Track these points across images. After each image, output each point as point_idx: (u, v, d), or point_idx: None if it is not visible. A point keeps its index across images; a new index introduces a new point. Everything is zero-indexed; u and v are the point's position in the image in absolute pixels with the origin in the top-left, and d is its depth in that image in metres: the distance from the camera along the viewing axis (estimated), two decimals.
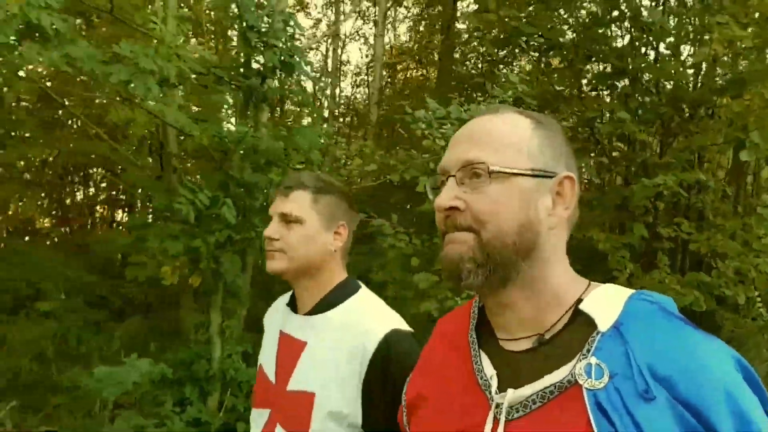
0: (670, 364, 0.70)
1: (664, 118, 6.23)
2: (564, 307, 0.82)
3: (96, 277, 7.01)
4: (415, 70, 14.27)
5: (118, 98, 4.44)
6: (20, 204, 7.03)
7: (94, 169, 8.61)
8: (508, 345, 0.85)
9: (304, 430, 1.30)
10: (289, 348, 1.41)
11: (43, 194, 7.58)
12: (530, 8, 6.80)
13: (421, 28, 13.37)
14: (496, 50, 7.03)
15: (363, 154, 5.01)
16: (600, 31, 6.05)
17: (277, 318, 1.52)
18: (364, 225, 4.62)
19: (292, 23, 4.37)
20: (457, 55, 10.89)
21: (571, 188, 0.84)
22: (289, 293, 1.53)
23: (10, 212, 7.27)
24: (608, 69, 6.64)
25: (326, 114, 4.17)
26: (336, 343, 1.34)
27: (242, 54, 4.16)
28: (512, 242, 0.79)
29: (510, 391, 0.79)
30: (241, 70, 4.26)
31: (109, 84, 3.28)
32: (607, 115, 6.43)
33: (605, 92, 6.63)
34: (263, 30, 4.15)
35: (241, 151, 4.20)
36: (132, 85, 3.06)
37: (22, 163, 6.64)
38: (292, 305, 1.49)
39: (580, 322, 0.80)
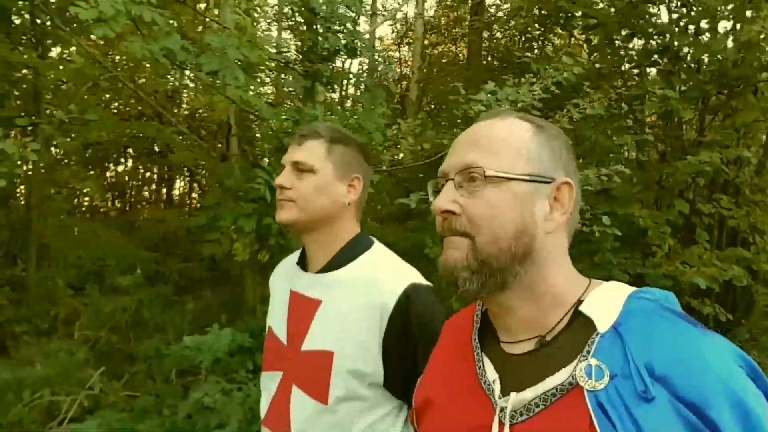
0: (669, 362, 0.71)
1: (707, 96, 6.29)
2: (565, 308, 0.83)
3: (150, 254, 7.33)
4: (444, 46, 14.28)
5: (191, 84, 4.65)
6: (82, 185, 7.35)
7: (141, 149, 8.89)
8: (510, 348, 0.86)
9: (324, 389, 1.27)
10: (302, 307, 1.37)
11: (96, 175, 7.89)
12: None
13: (449, 2, 13.35)
14: (538, 29, 7.10)
15: (415, 133, 5.18)
16: (646, 7, 6.09)
17: (284, 277, 1.48)
18: (423, 201, 4.82)
19: (354, 8, 4.54)
20: (486, 34, 10.93)
21: (569, 194, 0.84)
22: (297, 253, 1.48)
23: (66, 192, 7.61)
24: (649, 46, 6.72)
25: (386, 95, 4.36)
26: (352, 300, 1.30)
27: (307, 39, 4.33)
28: (508, 247, 0.80)
29: (513, 395, 0.79)
30: (307, 54, 4.44)
31: (196, 73, 3.49)
32: (650, 92, 6.52)
33: (648, 70, 6.67)
34: (327, 15, 4.33)
35: None
36: (222, 74, 3.27)
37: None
38: (302, 264, 1.45)
39: (580, 323, 0.80)
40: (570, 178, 0.85)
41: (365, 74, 4.72)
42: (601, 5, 6.75)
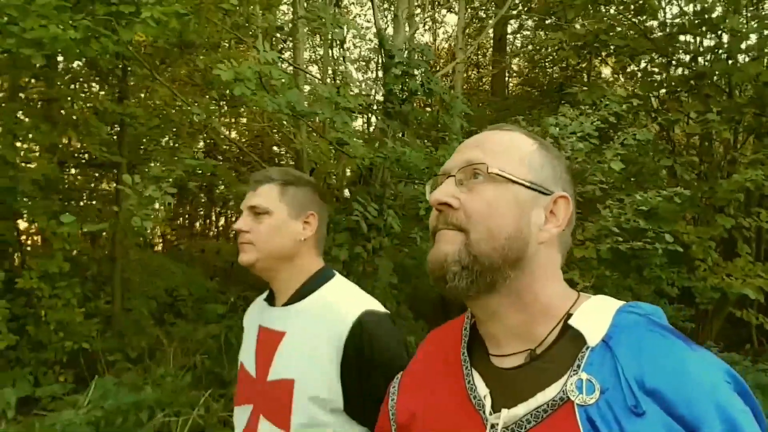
0: (659, 376, 0.70)
1: (744, 118, 6.66)
2: (553, 321, 0.82)
3: (213, 283, 7.74)
4: (468, 73, 14.79)
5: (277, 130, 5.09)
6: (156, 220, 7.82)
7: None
8: (500, 362, 0.85)
9: (287, 417, 1.30)
10: (268, 340, 1.41)
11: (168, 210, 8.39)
12: (606, 19, 7.33)
13: (470, 31, 13.89)
14: (576, 60, 7.54)
15: None
16: (682, 38, 6.52)
17: (255, 315, 1.54)
18: None
19: (425, 55, 5.00)
20: (515, 66, 11.38)
21: (566, 209, 0.85)
22: (267, 291, 1.54)
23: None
24: (686, 72, 7.14)
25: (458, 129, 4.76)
26: (312, 329, 1.34)
27: (389, 82, 4.78)
28: (500, 247, 0.79)
29: (504, 411, 0.79)
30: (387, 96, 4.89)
31: (302, 118, 3.93)
32: (687, 117, 6.90)
33: (685, 95, 7.06)
34: (404, 61, 4.79)
35: (387, 168, 4.84)
36: (334, 120, 3.71)
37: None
38: (270, 300, 1.51)
39: (569, 337, 0.80)
40: (568, 195, 0.85)
41: (437, 112, 5.15)
42: (635, 36, 7.18)
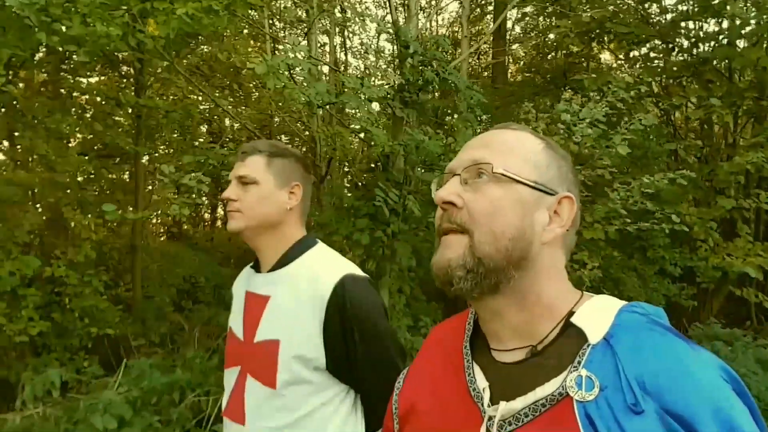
0: (659, 376, 0.71)
1: (744, 102, 6.85)
2: (556, 319, 0.83)
3: (231, 270, 7.93)
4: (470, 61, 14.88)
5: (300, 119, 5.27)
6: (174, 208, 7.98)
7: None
8: (501, 356, 0.86)
9: (273, 375, 1.37)
10: (255, 304, 1.48)
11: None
12: (610, 6, 7.49)
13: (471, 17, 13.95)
14: (580, 46, 7.70)
15: None
16: (684, 24, 6.70)
17: (242, 282, 1.60)
18: None
19: (441, 45, 5.17)
20: (516, 51, 11.49)
21: (570, 209, 0.85)
22: (254, 260, 1.60)
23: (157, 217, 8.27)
24: (687, 58, 7.32)
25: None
26: (296, 292, 1.41)
27: (406, 73, 4.94)
28: (504, 248, 0.80)
29: (502, 403, 0.79)
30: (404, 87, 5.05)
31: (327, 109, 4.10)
32: (688, 102, 7.10)
33: (687, 80, 7.25)
34: (420, 51, 4.95)
35: (403, 155, 5.02)
36: (358, 109, 3.88)
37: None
38: (256, 267, 1.57)
39: (571, 334, 0.80)
40: (573, 195, 0.86)
41: (455, 101, 5.32)
42: (638, 22, 7.35)
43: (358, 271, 1.44)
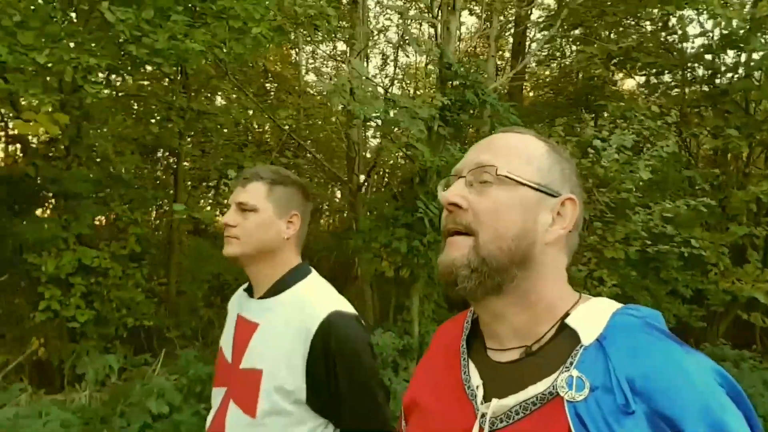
0: (649, 377, 0.71)
1: (760, 134, 7.17)
2: (553, 320, 0.84)
3: None
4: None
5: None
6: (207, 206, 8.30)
7: None
8: (497, 356, 0.87)
9: (254, 404, 1.37)
10: (244, 329, 1.48)
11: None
12: (635, 36, 7.84)
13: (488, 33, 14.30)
14: (603, 71, 8.03)
15: None
16: (708, 57, 7.02)
17: (236, 303, 1.60)
18: None
19: (480, 68, 5.49)
20: (532, 71, 11.77)
21: (573, 210, 0.86)
22: (248, 282, 1.59)
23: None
24: (705, 88, 7.64)
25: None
26: (284, 323, 1.41)
27: (449, 93, 5.25)
28: (507, 248, 0.81)
29: (494, 401, 0.81)
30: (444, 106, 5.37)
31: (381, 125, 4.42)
32: (708, 131, 7.41)
33: (705, 110, 7.57)
34: (462, 74, 5.28)
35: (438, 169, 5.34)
36: (410, 127, 4.20)
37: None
38: (249, 291, 1.56)
39: (566, 335, 0.82)
40: (575, 197, 0.87)
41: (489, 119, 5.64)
42: (662, 51, 7.68)
43: (347, 308, 1.43)
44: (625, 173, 5.62)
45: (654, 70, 7.83)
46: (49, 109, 3.62)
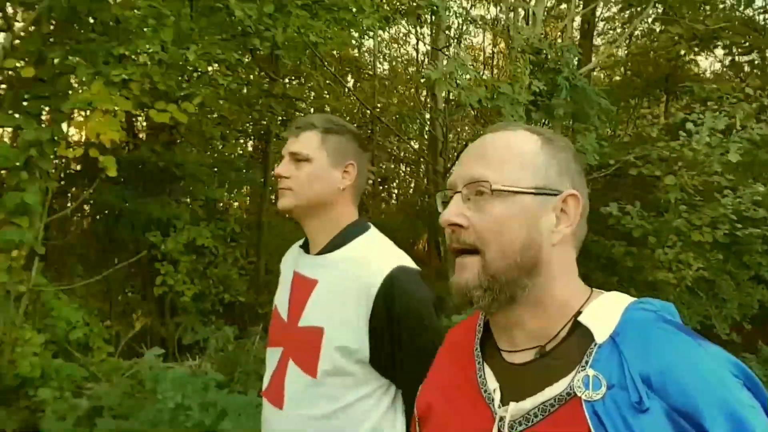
0: (664, 372, 0.71)
1: None
2: (566, 318, 0.84)
3: None
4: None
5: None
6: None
7: None
8: (511, 357, 0.87)
9: (314, 363, 1.33)
10: (301, 286, 1.43)
11: None
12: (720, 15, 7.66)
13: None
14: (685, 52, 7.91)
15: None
16: None
17: (291, 260, 1.54)
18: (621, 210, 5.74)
19: (571, 53, 5.56)
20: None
21: (576, 206, 0.85)
22: (304, 238, 1.54)
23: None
24: None
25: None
26: (344, 280, 1.35)
27: (539, 79, 5.35)
28: (515, 261, 0.81)
29: (512, 404, 0.81)
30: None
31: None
32: None
33: None
34: (553, 58, 5.37)
35: None
36: (508, 112, 4.36)
37: None
38: (305, 247, 1.51)
39: (579, 334, 0.81)
40: (577, 190, 0.86)
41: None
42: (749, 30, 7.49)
43: (410, 263, 1.37)
44: (715, 156, 5.59)
45: (739, 50, 7.65)
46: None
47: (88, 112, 4.05)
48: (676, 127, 5.62)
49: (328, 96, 7.15)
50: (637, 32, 9.74)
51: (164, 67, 3.80)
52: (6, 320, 3.82)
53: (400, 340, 1.30)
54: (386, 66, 10.70)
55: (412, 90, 11.45)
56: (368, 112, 7.45)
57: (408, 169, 10.30)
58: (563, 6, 11.15)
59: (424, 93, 10.98)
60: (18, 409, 3.82)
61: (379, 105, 8.42)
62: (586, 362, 0.77)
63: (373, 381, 1.34)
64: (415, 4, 4.23)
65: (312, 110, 6.82)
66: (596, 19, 11.72)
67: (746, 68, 8.19)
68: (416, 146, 8.14)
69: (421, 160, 6.79)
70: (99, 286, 5.92)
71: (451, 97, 4.19)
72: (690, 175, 5.65)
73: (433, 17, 4.22)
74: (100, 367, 4.44)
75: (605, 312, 0.81)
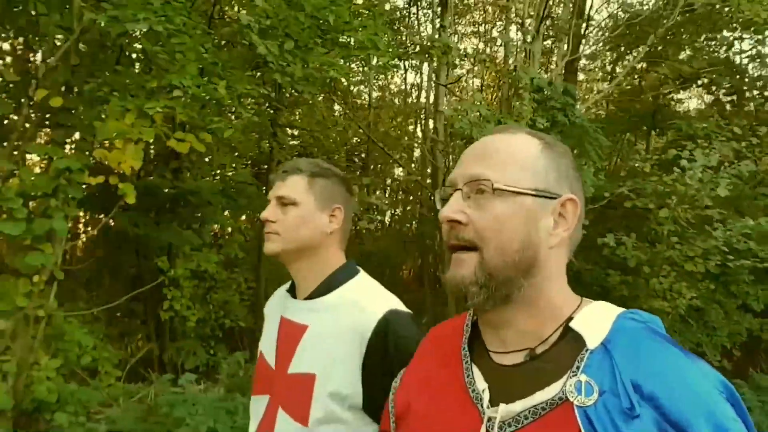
0: (655, 382, 0.72)
1: None
2: (558, 323, 0.84)
3: None
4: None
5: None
6: None
7: None
8: (500, 358, 0.87)
9: (306, 411, 1.30)
10: (290, 332, 1.40)
11: None
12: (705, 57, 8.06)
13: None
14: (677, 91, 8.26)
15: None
16: None
17: (277, 305, 1.52)
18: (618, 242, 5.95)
19: (570, 91, 5.82)
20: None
21: (574, 210, 0.86)
22: (290, 282, 1.52)
23: None
24: None
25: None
26: (336, 324, 1.33)
27: (535, 113, 5.59)
28: (513, 260, 0.81)
29: (502, 406, 0.80)
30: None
31: None
32: None
33: None
34: (550, 95, 5.62)
35: None
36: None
37: None
38: (292, 292, 1.49)
39: (570, 339, 0.82)
40: (575, 195, 0.86)
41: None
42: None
43: (401, 306, 1.36)
44: (706, 191, 5.85)
45: (722, 90, 8.03)
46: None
47: (107, 141, 4.18)
48: (668, 163, 5.89)
49: (330, 127, 7.37)
50: (619, 70, 10.15)
51: (187, 98, 3.94)
52: (24, 345, 3.86)
53: None
54: (375, 95, 10.95)
55: (400, 120, 11.77)
56: (360, 139, 7.62)
57: (402, 196, 10.49)
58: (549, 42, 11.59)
59: (416, 123, 11.26)
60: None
61: (376, 130, 8.64)
62: (578, 367, 0.77)
63: (365, 427, 1.30)
64: (428, 44, 4.45)
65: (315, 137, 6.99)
66: (580, 56, 12.19)
67: (728, 107, 8.56)
68: (407, 173, 8.33)
69: (413, 186, 6.99)
70: (104, 311, 5.95)
71: (458, 129, 4.35)
72: (683, 208, 5.89)
73: (444, 55, 4.42)
74: (110, 391, 4.46)
75: (597, 319, 0.82)
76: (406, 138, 8.28)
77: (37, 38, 3.99)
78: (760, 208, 7.52)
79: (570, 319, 0.83)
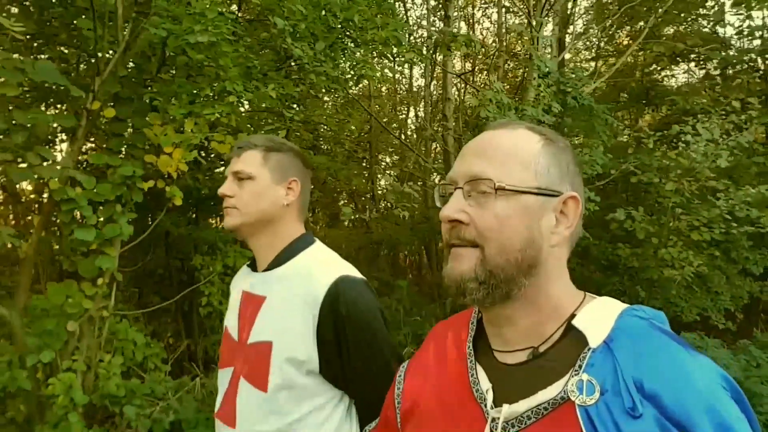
0: (657, 380, 0.72)
1: None
2: (561, 320, 0.84)
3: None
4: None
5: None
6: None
7: None
8: (504, 357, 0.87)
9: (265, 378, 1.32)
10: (250, 304, 1.44)
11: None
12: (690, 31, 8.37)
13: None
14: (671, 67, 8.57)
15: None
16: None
17: (239, 280, 1.56)
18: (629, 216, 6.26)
19: (576, 75, 6.09)
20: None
21: (575, 208, 0.85)
22: (252, 258, 1.55)
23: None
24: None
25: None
26: (290, 293, 1.36)
27: (546, 98, 5.86)
28: (515, 259, 0.81)
29: (505, 406, 0.80)
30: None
31: None
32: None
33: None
34: (559, 78, 5.89)
35: None
36: None
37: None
38: (253, 266, 1.53)
39: (572, 337, 0.81)
40: (576, 192, 0.86)
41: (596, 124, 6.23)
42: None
43: (354, 272, 1.39)
44: (708, 163, 6.17)
45: (714, 65, 8.36)
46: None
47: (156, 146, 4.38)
48: (669, 138, 6.21)
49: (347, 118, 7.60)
50: (611, 48, 10.45)
51: (241, 103, 4.15)
52: (90, 345, 4.07)
53: (348, 348, 1.31)
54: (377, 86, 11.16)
55: (400, 108, 12.02)
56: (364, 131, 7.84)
57: (409, 183, 10.78)
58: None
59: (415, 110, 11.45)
60: (109, 427, 4.08)
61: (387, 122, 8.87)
62: (580, 366, 0.77)
63: (325, 392, 1.34)
64: (448, 37, 4.68)
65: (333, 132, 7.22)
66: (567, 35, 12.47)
67: (719, 80, 8.90)
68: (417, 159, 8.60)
69: (430, 170, 7.27)
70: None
71: (482, 116, 4.61)
72: (688, 181, 6.20)
73: (466, 47, 4.65)
74: (165, 385, 4.69)
75: (599, 317, 0.82)
76: (410, 125, 8.51)
77: (87, 54, 4.17)
78: (752, 177, 7.92)
79: (572, 316, 0.84)
